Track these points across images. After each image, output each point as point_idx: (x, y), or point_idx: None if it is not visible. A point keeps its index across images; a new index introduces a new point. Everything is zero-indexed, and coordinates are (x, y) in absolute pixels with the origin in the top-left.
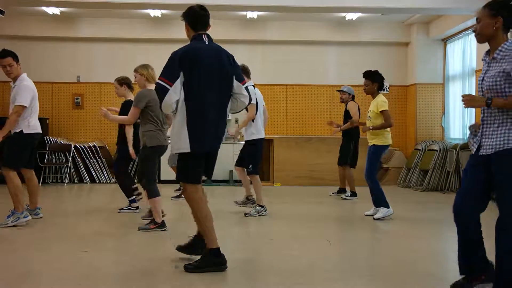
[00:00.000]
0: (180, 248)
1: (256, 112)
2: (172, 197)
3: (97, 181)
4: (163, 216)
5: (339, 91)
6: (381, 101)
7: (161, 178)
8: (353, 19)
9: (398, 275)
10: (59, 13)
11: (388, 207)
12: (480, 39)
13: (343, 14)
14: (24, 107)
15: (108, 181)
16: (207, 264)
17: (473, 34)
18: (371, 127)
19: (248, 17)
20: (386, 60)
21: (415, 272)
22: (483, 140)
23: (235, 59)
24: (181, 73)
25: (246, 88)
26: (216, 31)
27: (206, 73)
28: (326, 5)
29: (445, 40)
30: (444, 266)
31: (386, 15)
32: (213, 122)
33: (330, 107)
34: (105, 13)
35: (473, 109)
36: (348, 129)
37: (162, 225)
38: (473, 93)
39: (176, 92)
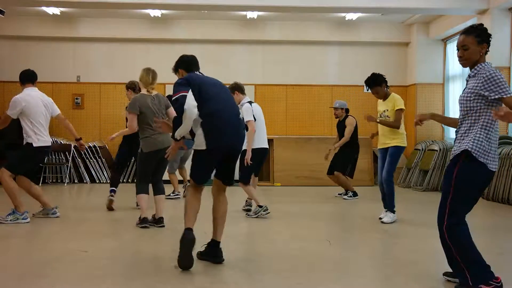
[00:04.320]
0: (200, 256)
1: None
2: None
3: (97, 181)
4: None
5: (332, 107)
6: (399, 99)
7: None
8: (353, 19)
9: (398, 275)
10: (59, 13)
11: (393, 213)
12: (466, 65)
13: (343, 14)
14: (8, 116)
15: (108, 181)
16: (182, 246)
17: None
18: (377, 120)
19: (248, 17)
20: (386, 60)
21: (415, 272)
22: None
23: None
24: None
25: None
26: (216, 31)
27: (208, 85)
28: (326, 5)
29: (445, 40)
30: (444, 266)
31: (386, 15)
32: (228, 121)
33: (330, 107)
34: (105, 13)
35: None
36: (352, 143)
37: (142, 221)
38: None
39: (191, 98)
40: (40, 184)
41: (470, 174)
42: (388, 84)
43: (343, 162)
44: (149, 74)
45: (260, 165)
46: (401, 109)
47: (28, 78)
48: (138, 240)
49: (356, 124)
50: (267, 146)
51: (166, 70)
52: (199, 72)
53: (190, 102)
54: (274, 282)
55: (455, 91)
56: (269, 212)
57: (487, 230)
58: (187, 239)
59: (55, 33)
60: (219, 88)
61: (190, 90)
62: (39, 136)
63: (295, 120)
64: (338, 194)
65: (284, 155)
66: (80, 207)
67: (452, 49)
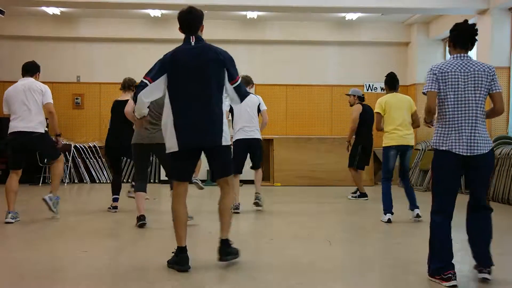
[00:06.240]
0: (220, 259)
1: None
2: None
3: (97, 181)
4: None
5: (347, 94)
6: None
7: (161, 178)
8: (353, 19)
9: (399, 275)
10: (59, 13)
11: (384, 214)
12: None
13: (343, 14)
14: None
15: (108, 181)
16: (172, 262)
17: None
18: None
19: (248, 17)
20: (386, 60)
21: (416, 272)
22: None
23: (230, 58)
24: (165, 75)
25: (238, 87)
26: (216, 31)
27: (186, 74)
28: (326, 5)
29: (445, 40)
30: None
31: (386, 15)
32: (197, 120)
33: (330, 107)
34: (105, 13)
35: None
36: (357, 132)
37: (138, 219)
38: None
39: (154, 90)
40: (40, 184)
41: (434, 163)
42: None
43: (350, 156)
44: None
45: (242, 157)
46: (376, 112)
47: (22, 70)
48: (138, 239)
49: (366, 113)
50: (244, 137)
51: None
52: (194, 36)
53: (151, 92)
54: (275, 281)
55: None
56: (238, 212)
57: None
58: (181, 264)
59: (55, 33)
60: (197, 72)
61: (164, 76)
62: (11, 123)
63: (295, 120)
64: (352, 194)
65: (284, 155)
66: (80, 207)
67: None
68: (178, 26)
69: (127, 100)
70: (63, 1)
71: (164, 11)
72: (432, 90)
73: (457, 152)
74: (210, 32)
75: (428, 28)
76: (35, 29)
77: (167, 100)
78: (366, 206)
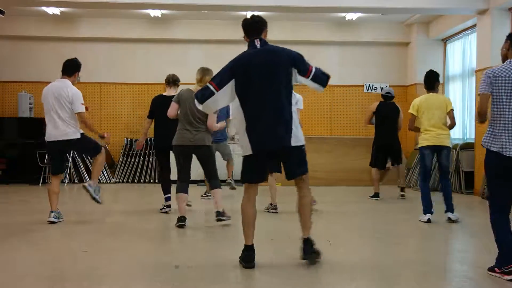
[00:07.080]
0: (304, 258)
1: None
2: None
3: None
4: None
5: None
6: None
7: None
8: (353, 19)
9: (399, 275)
10: (59, 13)
11: (424, 213)
12: (502, 59)
13: (343, 14)
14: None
15: (108, 181)
16: (240, 258)
17: (473, 34)
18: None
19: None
20: (386, 60)
21: (416, 272)
22: None
23: (297, 55)
24: (233, 80)
25: (314, 76)
26: (216, 32)
27: (256, 77)
28: (326, 5)
29: (445, 40)
30: (444, 266)
31: (386, 15)
32: (268, 123)
33: (330, 107)
34: (105, 13)
35: (473, 109)
36: (375, 131)
37: (178, 219)
38: (473, 93)
39: (220, 98)
40: (40, 184)
41: (486, 163)
42: (389, 84)
43: (371, 155)
44: (197, 72)
45: None
46: (409, 113)
47: (62, 69)
48: (138, 240)
49: (378, 112)
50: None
51: (166, 70)
52: (258, 39)
53: (217, 101)
54: (275, 282)
55: (455, 91)
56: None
57: (487, 230)
58: (246, 261)
59: (55, 33)
60: (266, 75)
61: (232, 81)
62: (47, 129)
63: None
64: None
65: None
66: (80, 207)
67: (452, 49)
68: (243, 34)
69: (172, 97)
70: (63, 1)
71: (164, 11)
72: (485, 92)
73: (508, 155)
74: (210, 32)
75: (428, 28)
76: (35, 29)
77: (237, 104)
78: (366, 206)
